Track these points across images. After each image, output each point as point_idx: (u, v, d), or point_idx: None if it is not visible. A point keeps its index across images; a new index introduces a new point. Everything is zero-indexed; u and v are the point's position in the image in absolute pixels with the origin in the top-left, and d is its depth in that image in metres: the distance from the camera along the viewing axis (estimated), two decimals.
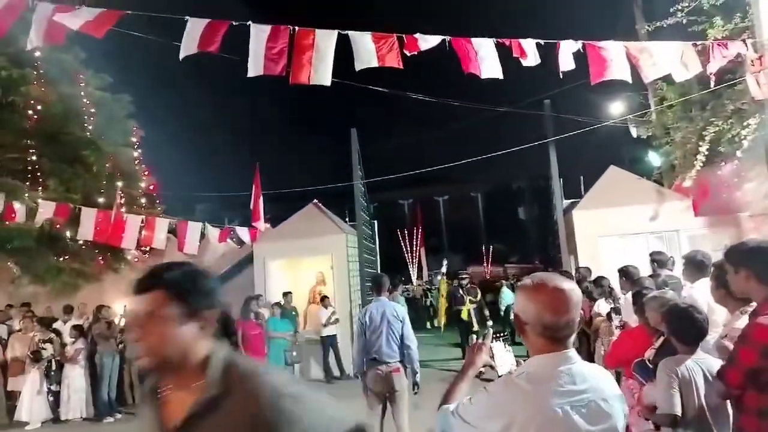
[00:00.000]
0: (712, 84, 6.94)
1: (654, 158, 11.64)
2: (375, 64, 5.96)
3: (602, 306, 6.12)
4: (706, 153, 8.19)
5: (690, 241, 9.25)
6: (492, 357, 2.05)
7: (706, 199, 9.78)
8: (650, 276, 5.24)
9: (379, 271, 13.05)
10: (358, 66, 5.97)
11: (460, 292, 11.24)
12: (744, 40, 6.91)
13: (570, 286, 1.65)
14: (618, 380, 4.06)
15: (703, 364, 2.71)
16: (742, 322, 2.75)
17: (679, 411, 2.62)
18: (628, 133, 11.17)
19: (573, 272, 8.58)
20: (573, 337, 1.66)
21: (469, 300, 10.94)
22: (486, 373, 2.19)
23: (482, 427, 1.60)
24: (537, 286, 1.67)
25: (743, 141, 7.41)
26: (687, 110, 9.88)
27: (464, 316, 10.91)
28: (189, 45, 5.75)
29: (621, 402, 1.67)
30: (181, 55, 5.77)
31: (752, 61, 6.70)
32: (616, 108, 11.85)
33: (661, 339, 3.22)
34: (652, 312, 3.48)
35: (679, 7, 8.15)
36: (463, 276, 11.98)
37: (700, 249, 4.98)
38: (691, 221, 9.51)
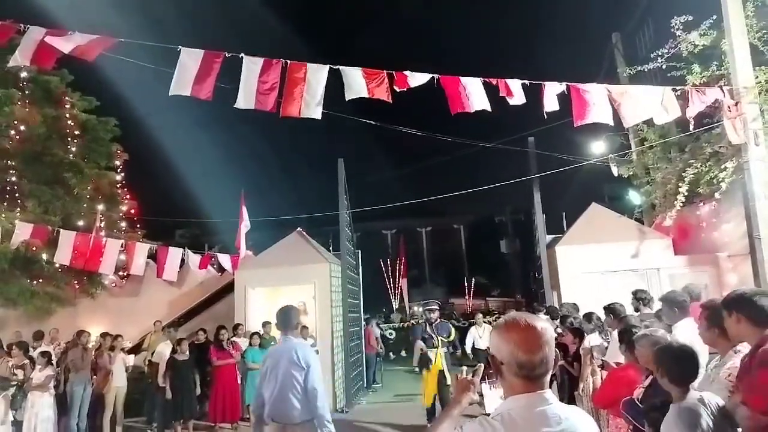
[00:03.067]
0: (691, 127, 7.17)
1: (635, 197, 11.88)
2: (365, 94, 6.07)
3: (594, 340, 6.05)
4: (686, 194, 8.39)
5: (670, 279, 9.36)
6: (480, 396, 2.04)
7: (685, 238, 9.98)
8: (656, 313, 5.16)
9: (361, 301, 12.93)
10: (349, 96, 6.08)
11: (429, 330, 8.18)
12: (721, 87, 7.17)
13: (543, 325, 1.66)
14: None
15: (712, 399, 2.65)
16: (736, 361, 2.83)
17: None
18: (610, 171, 11.41)
19: (558, 308, 8.60)
20: (548, 377, 1.66)
21: (441, 340, 8.09)
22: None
23: None
24: (509, 325, 1.68)
25: (721, 183, 7.62)
26: (666, 151, 10.15)
27: (438, 364, 7.96)
28: (180, 84, 5.82)
29: None
30: (171, 92, 5.84)
31: (729, 107, 6.94)
32: (598, 147, 12.11)
33: (650, 378, 3.21)
34: (643, 350, 3.44)
35: (659, 53, 8.47)
36: (432, 307, 8.55)
37: (677, 290, 5.05)
38: (672, 260, 9.67)
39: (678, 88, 7.09)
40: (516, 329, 1.65)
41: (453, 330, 8.64)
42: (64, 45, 5.90)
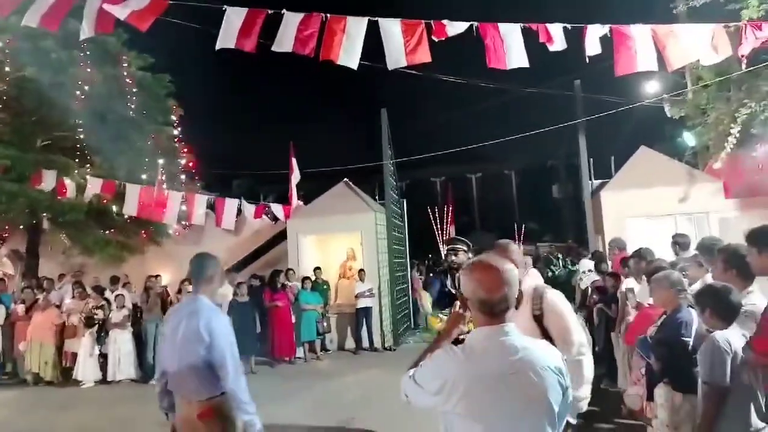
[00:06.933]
0: (743, 66, 6.86)
1: (688, 138, 11.46)
2: (404, 63, 6.20)
3: (632, 283, 6.04)
4: (737, 135, 8.09)
5: (721, 223, 9.19)
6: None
7: (737, 181, 9.67)
8: (694, 257, 5.18)
9: (407, 248, 13.32)
10: (390, 66, 6.23)
11: (449, 283, 5.01)
12: None
13: (506, 266, 1.82)
14: None
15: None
16: (749, 300, 3.03)
17: (728, 383, 2.71)
18: (662, 112, 11.01)
19: (603, 252, 8.63)
20: (510, 312, 1.82)
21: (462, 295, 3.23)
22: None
23: (426, 387, 1.83)
24: (474, 266, 1.86)
25: None
26: (725, 89, 9.66)
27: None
28: (226, 38, 6.11)
29: (557, 374, 1.78)
30: (218, 46, 6.14)
31: None
32: (651, 87, 11.65)
33: (663, 317, 3.40)
34: (661, 290, 3.55)
35: None
36: (456, 246, 5.04)
37: (713, 236, 5.07)
38: (722, 203, 9.44)
39: (732, 24, 6.75)
40: (479, 270, 1.82)
41: None
42: (120, 11, 6.27)
